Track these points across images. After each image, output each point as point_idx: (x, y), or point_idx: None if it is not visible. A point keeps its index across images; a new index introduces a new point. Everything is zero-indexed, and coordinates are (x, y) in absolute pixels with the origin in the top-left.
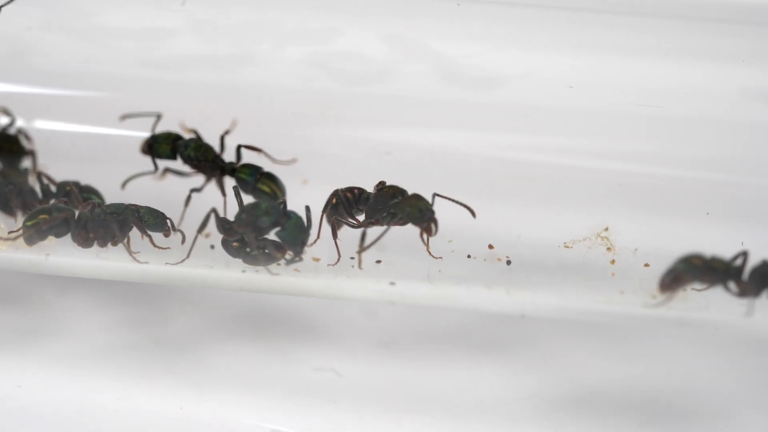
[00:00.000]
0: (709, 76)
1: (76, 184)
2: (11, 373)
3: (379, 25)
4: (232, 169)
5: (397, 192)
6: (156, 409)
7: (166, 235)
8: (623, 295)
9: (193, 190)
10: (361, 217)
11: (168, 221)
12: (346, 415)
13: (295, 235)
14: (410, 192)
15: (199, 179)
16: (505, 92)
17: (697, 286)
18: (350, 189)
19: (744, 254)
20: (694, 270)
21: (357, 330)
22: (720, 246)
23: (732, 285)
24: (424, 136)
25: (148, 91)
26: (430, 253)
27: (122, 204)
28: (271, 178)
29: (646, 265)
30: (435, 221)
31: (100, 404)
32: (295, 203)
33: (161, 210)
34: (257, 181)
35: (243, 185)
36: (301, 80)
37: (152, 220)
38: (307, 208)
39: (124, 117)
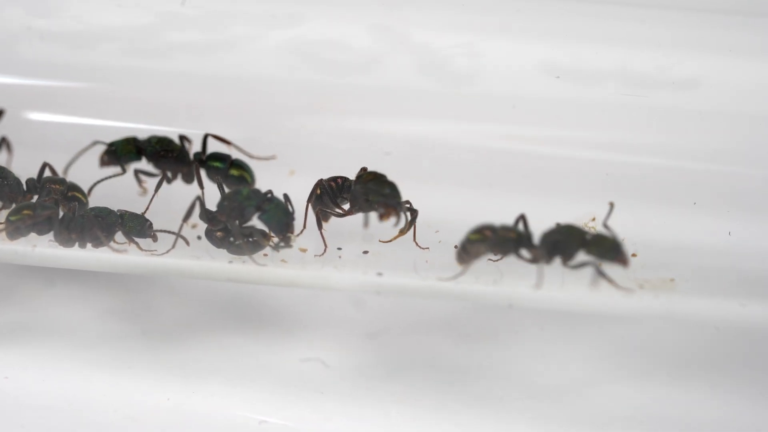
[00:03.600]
0: (696, 66)
1: (62, 181)
2: None
3: (368, 16)
4: (200, 160)
5: (375, 179)
6: (143, 399)
7: (154, 241)
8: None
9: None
10: (346, 206)
11: (151, 227)
12: (333, 406)
13: (278, 217)
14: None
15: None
16: (492, 82)
17: (492, 256)
18: (334, 179)
19: (522, 218)
20: (486, 241)
21: (344, 320)
22: (708, 235)
23: (525, 252)
24: (412, 126)
25: (135, 82)
26: (417, 243)
27: (107, 208)
28: (240, 164)
29: (634, 254)
30: (393, 210)
31: (88, 395)
32: (282, 194)
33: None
34: (228, 168)
35: (214, 173)
36: (288, 71)
37: (135, 227)
38: (285, 196)
39: (68, 166)
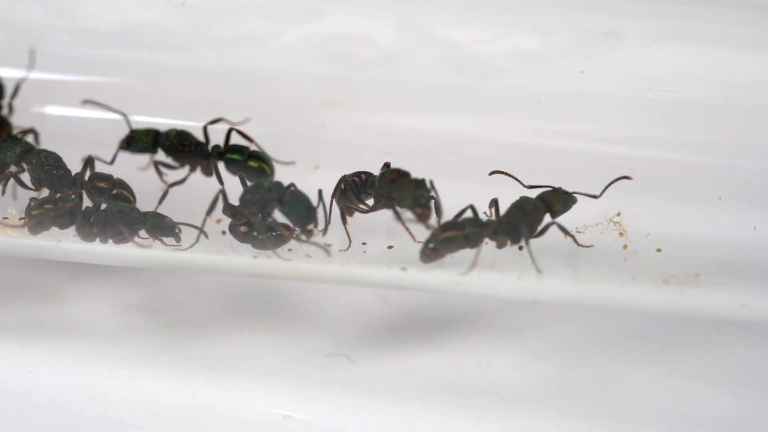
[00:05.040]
0: (721, 61)
1: (109, 178)
2: (23, 359)
3: (392, 10)
4: (219, 153)
5: (399, 175)
6: (167, 395)
7: (177, 241)
8: (635, 280)
9: (173, 185)
10: (370, 202)
11: (176, 227)
12: (358, 401)
13: (299, 209)
14: (416, 175)
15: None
16: (518, 77)
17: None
18: (357, 174)
19: (471, 207)
20: (453, 241)
21: (369, 316)
22: (733, 230)
23: (497, 239)
24: (436, 121)
25: (159, 77)
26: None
27: (130, 205)
28: (258, 155)
29: (659, 250)
30: (428, 209)
31: (112, 390)
32: (306, 188)
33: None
34: (247, 159)
35: (233, 165)
36: (312, 66)
37: (157, 224)
38: (319, 192)
39: (87, 102)
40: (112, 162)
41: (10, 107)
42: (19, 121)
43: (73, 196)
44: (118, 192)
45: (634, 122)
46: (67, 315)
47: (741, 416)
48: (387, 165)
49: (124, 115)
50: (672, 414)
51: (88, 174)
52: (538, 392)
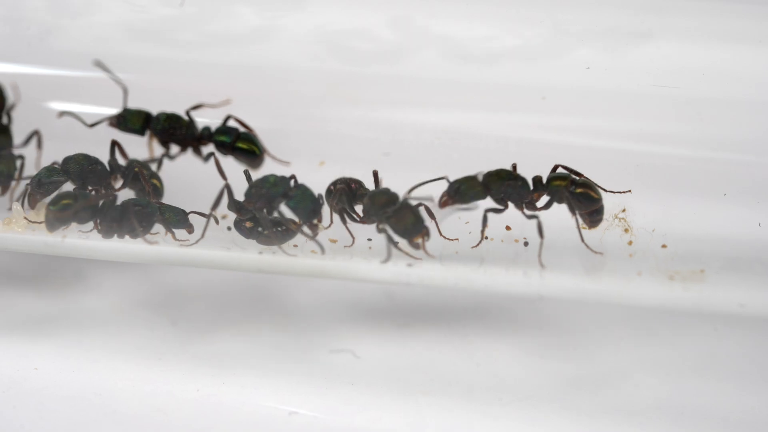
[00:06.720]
0: (726, 56)
1: (148, 166)
2: (28, 355)
3: (395, 6)
4: (209, 135)
5: (389, 200)
6: (172, 390)
7: (190, 232)
8: (640, 275)
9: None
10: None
11: (189, 218)
12: (363, 397)
13: (305, 204)
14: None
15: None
16: (523, 73)
17: None
18: (347, 182)
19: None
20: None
21: (374, 312)
22: (738, 226)
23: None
24: (441, 116)
25: (164, 71)
26: (442, 235)
27: (146, 199)
28: (247, 137)
29: (664, 246)
30: (425, 234)
31: (116, 386)
32: (312, 184)
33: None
34: (235, 140)
35: (222, 147)
36: (317, 61)
37: (174, 218)
38: (320, 196)
39: (97, 64)
40: (92, 126)
41: (9, 117)
42: (21, 117)
43: (95, 192)
44: (152, 181)
45: (639, 118)
46: (71, 311)
47: (745, 411)
48: (375, 173)
49: (125, 90)
50: (676, 409)
51: (115, 157)
52: (544, 387)
